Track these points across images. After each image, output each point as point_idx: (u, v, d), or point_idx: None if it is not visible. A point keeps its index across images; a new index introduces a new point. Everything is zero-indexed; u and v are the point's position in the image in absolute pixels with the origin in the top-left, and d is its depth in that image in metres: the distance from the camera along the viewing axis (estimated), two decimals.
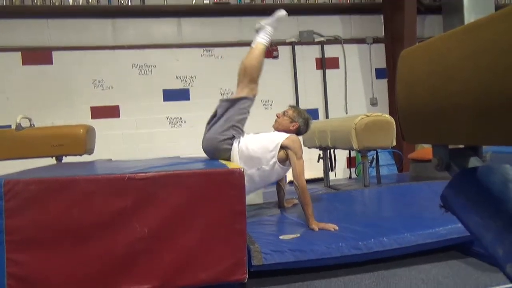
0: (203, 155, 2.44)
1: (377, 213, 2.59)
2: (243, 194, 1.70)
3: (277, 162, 2.28)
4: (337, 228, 2.10)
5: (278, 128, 2.51)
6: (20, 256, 1.52)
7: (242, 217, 1.68)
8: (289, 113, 2.51)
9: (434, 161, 0.84)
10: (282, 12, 2.49)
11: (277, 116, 2.56)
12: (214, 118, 2.36)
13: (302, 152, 2.30)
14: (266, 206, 2.83)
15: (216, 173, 1.72)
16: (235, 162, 2.24)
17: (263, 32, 2.46)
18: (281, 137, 2.31)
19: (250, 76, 2.37)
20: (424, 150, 4.02)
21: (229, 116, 2.31)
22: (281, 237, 2.02)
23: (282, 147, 2.28)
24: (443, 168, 0.83)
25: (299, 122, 2.49)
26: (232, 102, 2.33)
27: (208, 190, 1.66)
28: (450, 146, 0.83)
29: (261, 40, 2.45)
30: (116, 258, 1.59)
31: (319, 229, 2.11)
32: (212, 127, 2.34)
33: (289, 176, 2.36)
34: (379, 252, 1.89)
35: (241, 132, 2.34)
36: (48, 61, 4.67)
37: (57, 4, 4.66)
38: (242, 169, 1.70)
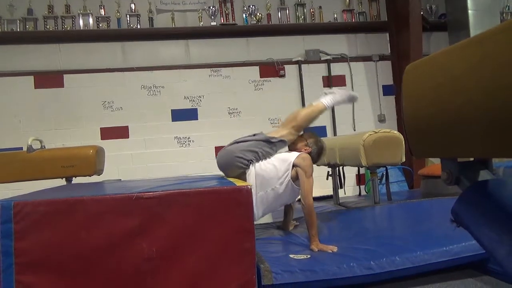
0: (212, 174, 2.44)
1: (389, 231, 2.54)
2: (251, 212, 1.68)
3: (291, 180, 2.30)
4: (335, 249, 2.06)
5: (291, 145, 2.52)
6: (29, 278, 1.51)
7: (251, 235, 1.65)
8: (305, 136, 2.55)
9: (443, 175, 0.83)
10: (355, 94, 2.64)
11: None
12: (246, 137, 2.40)
13: (312, 171, 2.31)
14: (276, 224, 2.80)
15: (223, 191, 1.71)
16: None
17: (331, 96, 2.54)
18: (293, 156, 2.34)
19: (297, 123, 2.46)
20: (435, 166, 3.96)
21: (259, 144, 2.36)
22: (291, 255, 1.99)
23: (293, 165, 2.30)
24: (452, 182, 0.81)
25: (313, 149, 2.50)
26: (268, 141, 2.38)
27: (216, 208, 1.65)
28: (459, 159, 0.81)
29: (324, 100, 2.53)
30: (124, 279, 1.57)
31: (318, 250, 2.08)
32: (238, 143, 2.38)
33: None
34: (392, 272, 1.84)
35: (259, 160, 2.36)
36: (60, 84, 4.76)
37: (68, 29, 4.79)
38: (249, 187, 1.69)
